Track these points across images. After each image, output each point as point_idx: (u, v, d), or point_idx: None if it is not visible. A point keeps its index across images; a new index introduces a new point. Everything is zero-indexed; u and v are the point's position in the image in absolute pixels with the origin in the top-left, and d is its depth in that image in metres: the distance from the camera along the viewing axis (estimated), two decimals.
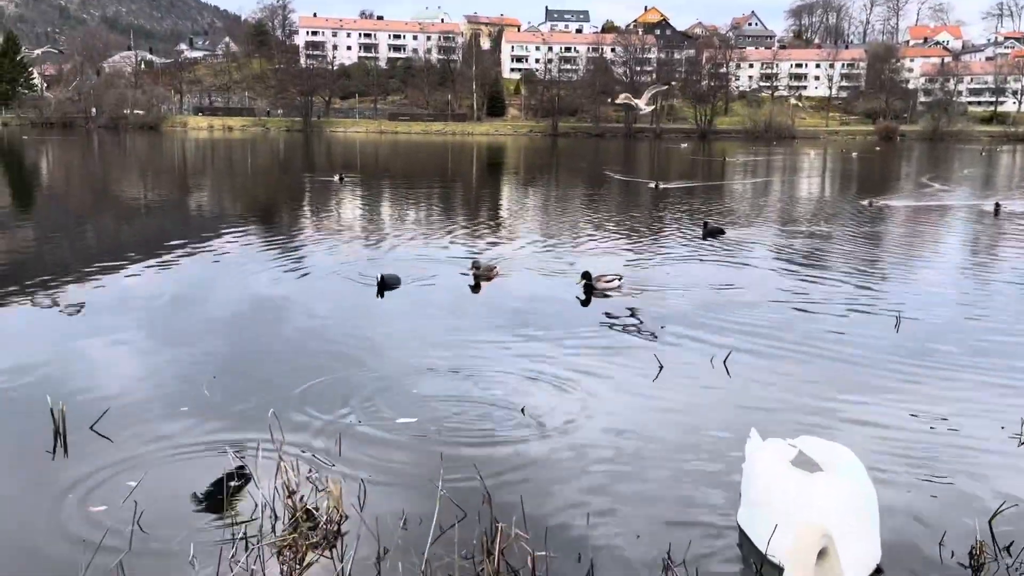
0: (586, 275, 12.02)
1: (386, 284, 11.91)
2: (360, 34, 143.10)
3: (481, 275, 12.59)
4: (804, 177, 42.64)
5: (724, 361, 8.64)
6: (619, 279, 12.23)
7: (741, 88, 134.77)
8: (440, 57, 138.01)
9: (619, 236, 18.27)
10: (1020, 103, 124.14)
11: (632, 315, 10.76)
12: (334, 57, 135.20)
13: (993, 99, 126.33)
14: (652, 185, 30.34)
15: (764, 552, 4.76)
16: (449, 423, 6.73)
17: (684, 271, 13.99)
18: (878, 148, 79.63)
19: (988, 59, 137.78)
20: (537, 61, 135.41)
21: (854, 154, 64.62)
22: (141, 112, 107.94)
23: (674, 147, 76.66)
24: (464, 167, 48.99)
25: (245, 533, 4.88)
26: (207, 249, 15.57)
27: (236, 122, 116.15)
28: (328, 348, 8.98)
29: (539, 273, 13.69)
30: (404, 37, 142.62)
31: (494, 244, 17.00)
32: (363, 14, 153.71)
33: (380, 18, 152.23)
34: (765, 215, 24.00)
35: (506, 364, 8.51)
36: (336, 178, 32.41)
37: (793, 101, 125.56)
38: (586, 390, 7.83)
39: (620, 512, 5.37)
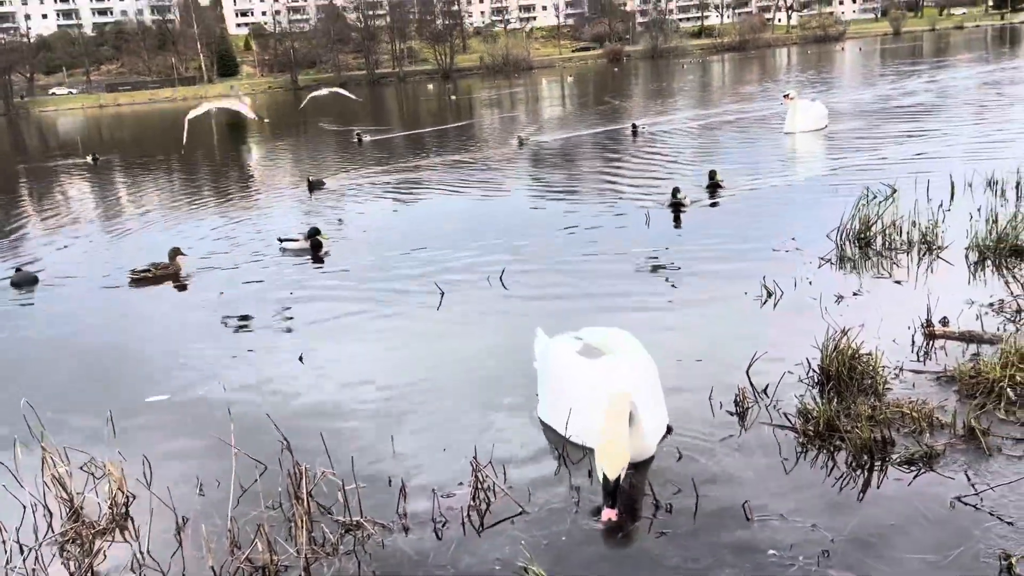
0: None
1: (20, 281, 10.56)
2: None
3: (159, 269, 10.45)
4: (501, 112, 39.97)
5: (500, 278, 8.91)
6: (302, 238, 11.35)
7: (475, 24, 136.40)
8: (155, 18, 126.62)
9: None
10: (722, 15, 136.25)
11: (387, 264, 10.65)
12: (28, 28, 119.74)
13: (700, 14, 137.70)
14: (355, 139, 28.02)
15: (566, 437, 5.02)
16: (222, 390, 6.36)
17: (406, 218, 14.12)
18: (616, 70, 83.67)
19: None
20: (264, 14, 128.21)
21: (569, 79, 67.41)
22: None
23: (423, 89, 76.53)
24: (195, 137, 45.44)
25: (18, 537, 4.36)
26: None
27: None
28: (58, 346, 8.19)
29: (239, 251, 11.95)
30: None
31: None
32: None
33: None
34: (455, 158, 21.44)
35: (271, 332, 8.23)
36: (89, 159, 28.62)
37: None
38: (366, 327, 7.77)
39: (423, 432, 5.41)
